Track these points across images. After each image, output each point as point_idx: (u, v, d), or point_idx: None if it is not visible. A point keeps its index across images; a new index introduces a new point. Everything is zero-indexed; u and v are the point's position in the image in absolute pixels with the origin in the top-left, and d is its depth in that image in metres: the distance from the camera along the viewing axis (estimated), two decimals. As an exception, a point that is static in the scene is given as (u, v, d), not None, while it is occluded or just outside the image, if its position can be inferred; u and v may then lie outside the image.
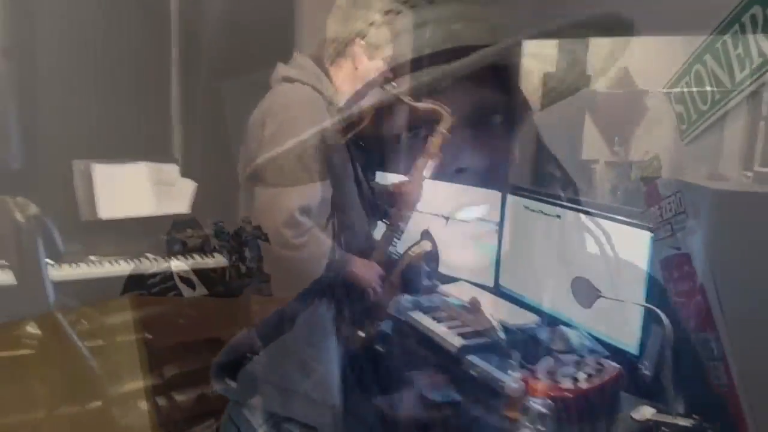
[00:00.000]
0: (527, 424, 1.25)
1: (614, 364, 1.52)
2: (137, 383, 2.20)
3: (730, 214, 1.91)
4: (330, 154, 1.73)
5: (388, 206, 1.99)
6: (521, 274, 2.19)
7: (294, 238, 1.70)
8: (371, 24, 1.76)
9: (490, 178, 2.43)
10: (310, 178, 1.71)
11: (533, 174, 2.89)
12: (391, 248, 1.94)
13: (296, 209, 1.68)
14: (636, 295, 1.72)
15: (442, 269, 2.33)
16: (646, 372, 1.64)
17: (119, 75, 2.89)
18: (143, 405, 2.16)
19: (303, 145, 1.69)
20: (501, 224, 2.28)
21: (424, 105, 2.05)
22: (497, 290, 2.28)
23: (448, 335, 1.99)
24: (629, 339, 1.76)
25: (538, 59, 2.92)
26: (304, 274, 1.76)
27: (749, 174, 3.37)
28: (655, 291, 1.70)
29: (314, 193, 1.73)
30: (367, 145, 1.97)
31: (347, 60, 1.79)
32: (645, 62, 3.29)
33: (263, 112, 1.73)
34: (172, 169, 2.84)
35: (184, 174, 2.87)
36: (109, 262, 2.60)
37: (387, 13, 1.80)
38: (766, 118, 3.24)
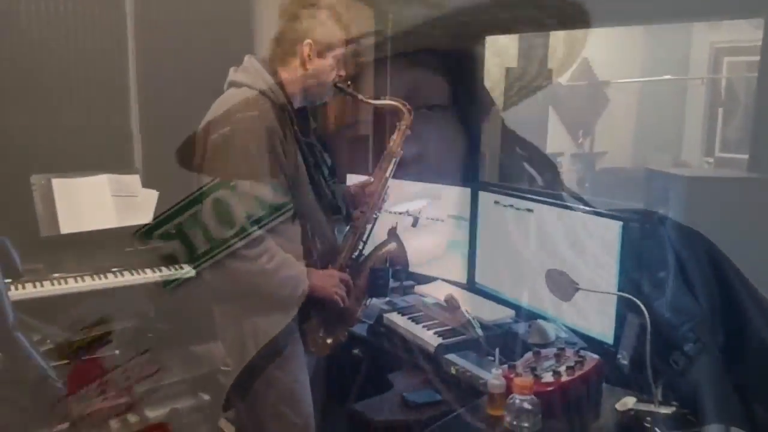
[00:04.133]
0: (512, 421, 1.23)
1: (593, 355, 1.52)
2: (107, 402, 2.14)
3: (694, 199, 1.94)
4: (281, 158, 1.68)
5: (352, 208, 1.96)
6: (495, 269, 2.18)
7: (245, 250, 1.62)
8: (318, 21, 1.74)
9: (459, 174, 2.45)
10: (257, 185, 1.64)
11: (501, 169, 2.90)
12: (357, 251, 1.92)
13: (245, 219, 1.61)
14: (609, 284, 1.73)
15: (417, 269, 2.32)
16: (624, 362, 1.64)
17: (76, 86, 2.81)
18: (113, 424, 2.09)
19: (247, 153, 1.64)
20: (473, 221, 2.28)
21: (382, 102, 2.02)
22: (472, 287, 2.27)
23: (426, 335, 1.97)
24: (605, 329, 1.77)
25: (499, 55, 2.92)
26: (258, 288, 1.68)
27: (710, 160, 3.46)
28: (629, 280, 1.71)
29: (263, 200, 1.65)
30: (324, 147, 1.93)
31: (296, 60, 1.75)
32: (605, 53, 3.34)
33: (208, 120, 1.68)
34: (133, 180, 2.77)
35: (146, 184, 2.80)
36: (74, 279, 2.51)
37: (333, 8, 1.76)
38: (725, 104, 3.32)
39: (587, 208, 1.88)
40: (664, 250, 1.70)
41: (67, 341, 1.61)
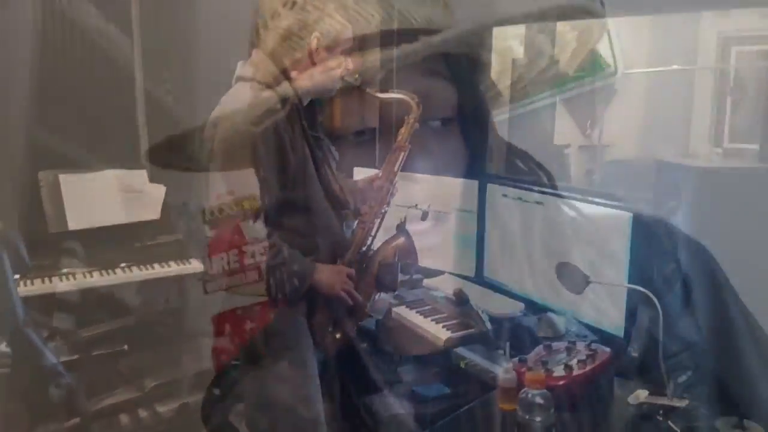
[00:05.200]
0: (524, 415, 1.23)
1: (605, 348, 1.51)
2: (117, 397, 2.15)
3: (704, 190, 1.93)
4: (288, 153, 1.67)
5: (360, 203, 1.95)
6: (503, 262, 2.17)
7: (251, 245, 1.63)
8: (326, 13, 1.73)
9: (466, 167, 2.43)
10: (264, 180, 1.64)
11: (508, 161, 2.89)
12: (365, 246, 1.91)
13: (249, 217, 1.62)
14: (619, 277, 1.71)
15: (425, 263, 2.31)
16: (634, 354, 1.63)
17: (82, 82, 2.81)
18: (123, 419, 2.10)
19: (256, 147, 1.62)
20: (480, 214, 2.27)
21: (390, 96, 2.01)
22: (480, 280, 2.26)
23: (434, 328, 1.96)
24: (616, 322, 1.75)
25: (505, 46, 2.89)
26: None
27: (719, 150, 3.42)
28: (639, 272, 1.69)
29: (268, 197, 1.65)
30: (332, 142, 1.92)
31: (303, 53, 1.72)
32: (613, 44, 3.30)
33: (217, 115, 1.67)
34: (140, 175, 2.77)
35: (153, 179, 2.81)
36: (83, 274, 2.52)
37: (340, 2, 1.74)
38: (733, 94, 3.28)
39: (597, 200, 1.86)
40: (675, 242, 1.69)
41: (219, 205, 1.60)
